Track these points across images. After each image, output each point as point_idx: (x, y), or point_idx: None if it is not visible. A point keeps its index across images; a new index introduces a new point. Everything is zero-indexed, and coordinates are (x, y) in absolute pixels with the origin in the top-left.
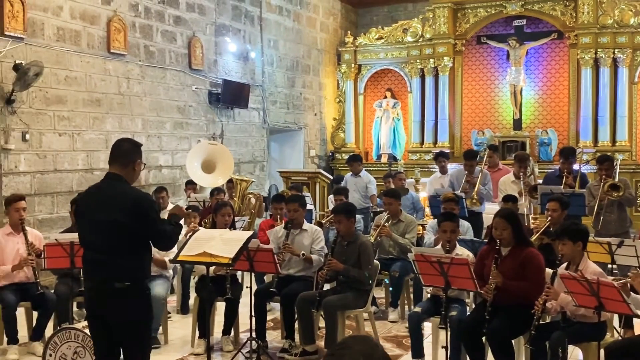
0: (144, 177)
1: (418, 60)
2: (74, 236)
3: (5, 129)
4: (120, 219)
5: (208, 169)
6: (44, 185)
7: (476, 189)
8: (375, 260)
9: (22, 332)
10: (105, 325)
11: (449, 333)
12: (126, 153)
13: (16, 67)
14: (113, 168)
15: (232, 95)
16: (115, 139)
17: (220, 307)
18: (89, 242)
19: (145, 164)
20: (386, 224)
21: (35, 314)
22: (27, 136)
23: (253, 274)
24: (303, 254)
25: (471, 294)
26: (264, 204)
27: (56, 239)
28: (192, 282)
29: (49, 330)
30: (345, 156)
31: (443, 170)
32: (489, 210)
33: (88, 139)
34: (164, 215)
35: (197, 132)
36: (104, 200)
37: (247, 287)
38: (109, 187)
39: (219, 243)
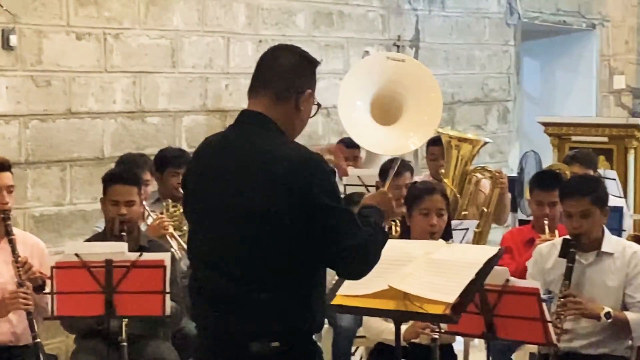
0: None
1: None
2: (114, 247)
3: None
4: (271, 207)
5: (385, 116)
6: (46, 144)
7: None
8: None
9: None
10: None
11: None
12: (287, 74)
13: None
14: (255, 103)
15: None
16: (191, 44)
17: None
18: (203, 255)
19: (319, 105)
20: None
21: None
22: (13, 38)
23: (491, 346)
24: (607, 312)
25: None
26: (509, 194)
27: (77, 255)
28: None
29: None
30: None
31: None
32: None
33: (137, 45)
34: None
35: (363, 35)
36: (236, 168)
37: None
38: (246, 139)
39: (422, 270)
